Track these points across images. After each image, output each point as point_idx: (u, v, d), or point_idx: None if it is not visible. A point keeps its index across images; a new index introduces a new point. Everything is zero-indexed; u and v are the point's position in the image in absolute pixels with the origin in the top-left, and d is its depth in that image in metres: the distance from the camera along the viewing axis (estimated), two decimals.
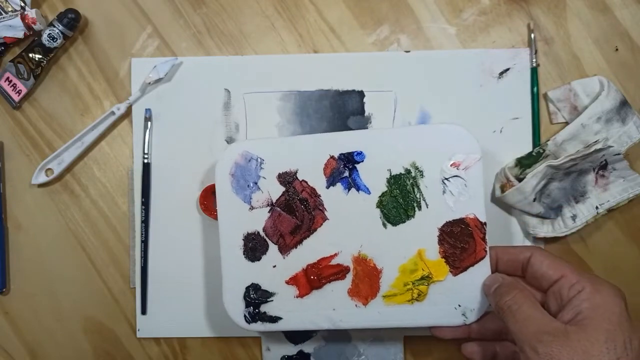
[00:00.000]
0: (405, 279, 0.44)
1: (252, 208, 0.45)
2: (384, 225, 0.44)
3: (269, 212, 0.45)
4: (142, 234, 0.51)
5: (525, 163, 0.49)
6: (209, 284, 0.52)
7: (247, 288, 0.45)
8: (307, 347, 0.51)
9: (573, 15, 0.51)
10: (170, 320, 0.52)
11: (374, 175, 0.44)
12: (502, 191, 0.48)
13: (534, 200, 0.47)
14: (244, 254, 0.45)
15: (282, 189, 0.45)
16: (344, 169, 0.44)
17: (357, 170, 0.44)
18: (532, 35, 0.50)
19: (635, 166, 0.50)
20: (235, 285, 0.45)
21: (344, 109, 0.51)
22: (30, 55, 0.51)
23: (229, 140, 0.52)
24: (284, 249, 0.45)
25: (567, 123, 0.50)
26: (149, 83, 0.51)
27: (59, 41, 0.50)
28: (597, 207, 0.48)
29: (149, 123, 0.52)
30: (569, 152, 0.48)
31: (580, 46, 0.51)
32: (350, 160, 0.44)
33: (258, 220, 0.45)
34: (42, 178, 0.52)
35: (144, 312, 0.52)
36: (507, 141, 0.50)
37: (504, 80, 0.51)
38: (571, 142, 0.49)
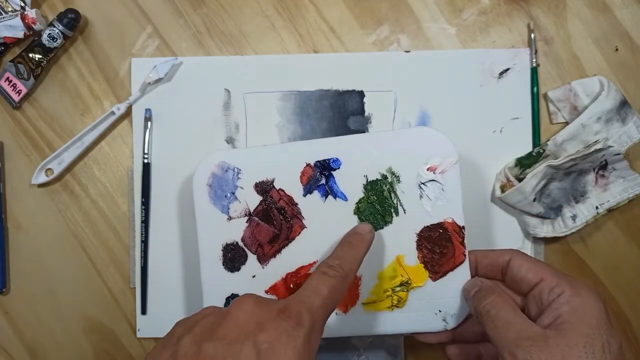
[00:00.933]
0: (385, 286, 0.43)
1: (230, 218, 0.45)
2: None
3: (247, 222, 0.45)
4: (142, 234, 0.51)
5: (525, 163, 0.49)
6: None
7: (227, 299, 0.45)
8: None
9: (573, 15, 0.51)
10: (170, 320, 0.51)
11: (351, 182, 0.44)
12: (502, 191, 0.49)
13: (534, 200, 0.47)
14: (223, 264, 0.45)
15: (260, 198, 0.45)
16: (321, 176, 0.44)
17: (333, 177, 0.44)
18: (532, 35, 0.50)
19: (635, 166, 0.50)
20: (216, 296, 0.45)
21: (344, 109, 0.51)
22: (30, 55, 0.51)
23: (229, 140, 0.52)
24: (263, 259, 0.44)
25: (567, 123, 0.50)
26: (149, 83, 0.51)
27: (59, 41, 0.50)
28: (597, 207, 0.48)
29: (149, 123, 0.52)
30: (569, 152, 0.48)
31: (580, 46, 0.51)
32: (326, 168, 0.44)
33: (236, 231, 0.45)
34: (42, 178, 0.52)
35: (144, 312, 0.52)
36: (507, 141, 0.51)
37: (504, 80, 0.51)
38: (571, 142, 0.49)
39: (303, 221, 0.44)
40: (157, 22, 0.52)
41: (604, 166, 0.48)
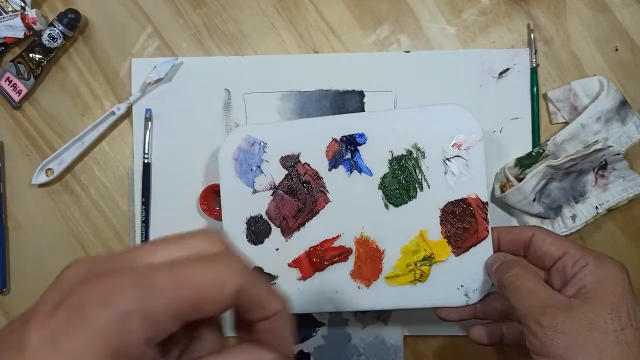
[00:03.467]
0: (408, 260, 0.44)
1: (255, 192, 0.45)
2: (386, 206, 0.44)
3: (271, 195, 0.45)
4: (142, 234, 0.51)
5: (525, 163, 0.49)
6: None
7: None
8: (307, 347, 0.51)
9: (573, 15, 0.51)
10: None
11: (376, 157, 0.44)
12: (502, 191, 0.49)
13: (534, 200, 0.47)
14: (247, 237, 0.46)
15: (285, 172, 0.45)
16: (346, 151, 0.45)
17: (359, 152, 0.44)
18: (532, 36, 0.50)
19: (635, 166, 0.50)
20: None
21: (344, 109, 0.51)
22: (31, 55, 0.51)
23: None
24: (287, 232, 0.45)
25: (566, 123, 0.50)
26: (149, 83, 0.51)
27: (59, 41, 0.50)
28: (596, 207, 0.48)
29: (149, 123, 0.52)
30: (568, 152, 0.48)
31: (580, 46, 0.51)
32: (352, 142, 0.44)
33: (261, 204, 0.45)
34: (42, 178, 0.52)
35: None
36: (507, 141, 0.51)
37: (504, 80, 0.51)
38: (571, 142, 0.49)
39: (327, 195, 0.45)
40: (157, 22, 0.52)
41: (603, 166, 0.48)
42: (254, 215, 0.45)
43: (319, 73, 0.51)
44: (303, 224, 0.45)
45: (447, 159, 0.43)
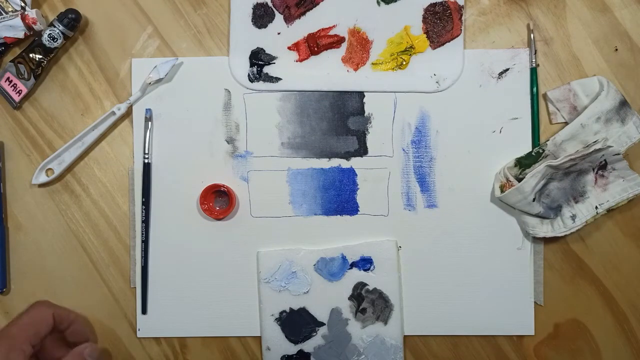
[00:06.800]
0: (392, 50, 0.50)
1: None
2: (378, 3, 0.50)
3: None
4: (142, 234, 0.51)
5: (524, 163, 0.49)
6: (209, 284, 0.52)
7: (253, 51, 0.51)
8: (307, 347, 0.51)
9: (573, 16, 0.51)
10: (171, 320, 0.52)
11: None
12: (502, 191, 0.49)
13: (534, 200, 0.47)
14: (252, 21, 0.50)
15: None
16: None
17: None
18: (532, 36, 0.50)
19: (635, 166, 0.50)
20: (243, 49, 0.51)
21: (344, 109, 0.51)
22: (31, 55, 0.51)
23: (229, 140, 0.52)
24: (289, 19, 0.50)
25: (566, 123, 0.50)
26: (150, 83, 0.51)
27: (59, 41, 0.50)
28: (596, 207, 0.49)
29: (150, 123, 0.52)
30: (568, 152, 0.48)
31: (580, 46, 0.51)
32: None
33: None
34: (43, 178, 0.52)
35: (144, 311, 0.52)
36: (506, 141, 0.51)
37: (504, 80, 0.51)
38: (571, 142, 0.49)
39: None
40: (158, 23, 0.52)
41: (603, 166, 0.48)
42: (260, 2, 0.51)
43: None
44: (304, 13, 0.50)
45: None
